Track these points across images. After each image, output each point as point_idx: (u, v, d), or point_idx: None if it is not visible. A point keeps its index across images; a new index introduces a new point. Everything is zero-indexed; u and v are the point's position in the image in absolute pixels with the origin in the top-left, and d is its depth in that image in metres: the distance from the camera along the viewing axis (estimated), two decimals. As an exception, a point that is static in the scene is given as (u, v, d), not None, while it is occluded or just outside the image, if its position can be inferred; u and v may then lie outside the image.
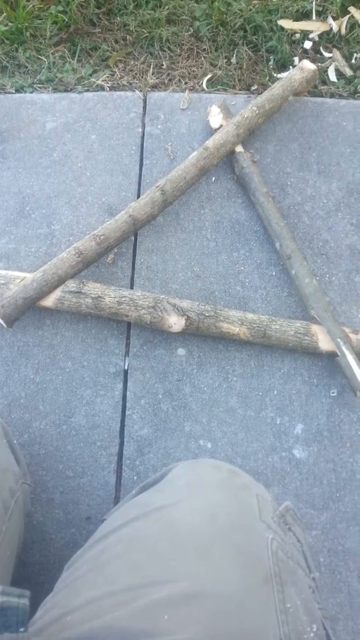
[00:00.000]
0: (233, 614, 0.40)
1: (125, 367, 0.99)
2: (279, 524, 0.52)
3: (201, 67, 1.27)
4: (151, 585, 0.42)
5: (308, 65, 1.17)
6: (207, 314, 0.97)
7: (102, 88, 1.23)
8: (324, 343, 0.97)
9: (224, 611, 0.40)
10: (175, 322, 0.96)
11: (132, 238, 1.08)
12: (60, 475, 0.93)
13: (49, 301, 0.98)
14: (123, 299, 0.98)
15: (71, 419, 0.96)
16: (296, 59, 1.27)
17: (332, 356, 0.96)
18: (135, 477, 0.93)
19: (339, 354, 0.95)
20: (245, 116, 1.11)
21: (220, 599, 0.41)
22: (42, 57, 1.26)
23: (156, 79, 1.26)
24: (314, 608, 0.47)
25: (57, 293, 0.98)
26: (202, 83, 1.24)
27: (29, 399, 0.96)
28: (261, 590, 0.43)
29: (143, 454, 0.94)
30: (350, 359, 0.94)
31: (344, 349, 0.95)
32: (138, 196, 1.11)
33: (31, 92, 1.21)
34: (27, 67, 1.25)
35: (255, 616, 0.41)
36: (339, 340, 0.96)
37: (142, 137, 1.16)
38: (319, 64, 1.26)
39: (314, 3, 1.29)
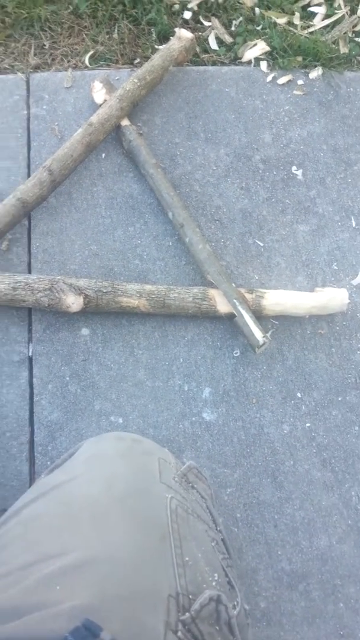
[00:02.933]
0: (125, 575, 0.38)
1: (30, 354, 0.89)
2: (180, 483, 0.51)
3: (83, 44, 1.15)
4: (44, 560, 0.39)
5: (185, 34, 1.07)
6: (104, 290, 0.89)
7: (-19, 72, 1.09)
8: (222, 306, 0.91)
9: (115, 574, 0.38)
10: (74, 302, 0.87)
11: (26, 222, 0.97)
12: (-29, 471, 0.83)
13: None
14: (18, 284, 0.88)
15: (-22, 413, 0.86)
16: (177, 29, 1.17)
17: (231, 318, 0.90)
18: (48, 463, 0.85)
19: (236, 314, 0.89)
20: (127, 89, 1.01)
21: (112, 563, 0.39)
22: None
23: (39, 59, 1.13)
24: (215, 559, 0.46)
25: None
26: (84, 60, 1.13)
27: None
28: (157, 548, 0.41)
29: (55, 438, 0.85)
30: (247, 317, 0.88)
31: (240, 309, 0.89)
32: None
33: None
34: None
35: (148, 574, 0.39)
36: (235, 301, 0.90)
37: (28, 119, 1.04)
38: (200, 33, 1.16)
39: (189, -28, 1.19)
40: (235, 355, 0.90)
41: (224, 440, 0.86)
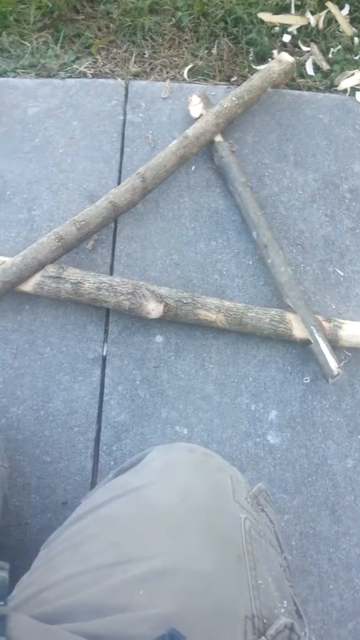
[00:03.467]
0: (205, 590, 0.38)
1: (104, 354, 0.90)
2: (252, 504, 0.50)
3: (182, 57, 1.16)
4: (126, 563, 0.39)
5: (286, 57, 1.07)
6: (185, 301, 0.89)
7: (85, 75, 1.12)
8: (298, 331, 0.90)
9: (197, 587, 0.38)
10: (154, 309, 0.87)
11: (112, 225, 0.98)
12: (37, 461, 0.84)
13: (29, 286, 0.88)
14: (102, 284, 0.88)
15: (49, 404, 0.87)
16: (275, 51, 1.17)
17: (305, 344, 0.89)
18: (112, 463, 0.85)
19: (312, 341, 0.88)
20: (225, 106, 1.02)
21: (193, 575, 0.39)
22: (26, 42, 1.14)
23: (138, 67, 1.15)
24: (285, 585, 0.45)
25: (36, 278, 0.88)
26: (183, 73, 1.14)
27: (6, 384, 0.87)
28: (234, 567, 0.41)
29: (120, 439, 0.85)
30: (323, 346, 0.87)
31: (317, 336, 0.88)
32: (118, 183, 1.01)
33: (14, 77, 1.09)
34: (10, 52, 1.13)
35: (226, 592, 0.39)
36: (312, 327, 0.88)
37: (124, 124, 1.05)
38: (297, 58, 1.16)
39: (293, -3, 1.19)
40: (305, 381, 0.89)
41: (285, 466, 0.85)
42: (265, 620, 0.39)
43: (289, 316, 0.91)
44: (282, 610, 0.42)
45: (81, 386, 0.88)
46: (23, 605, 0.41)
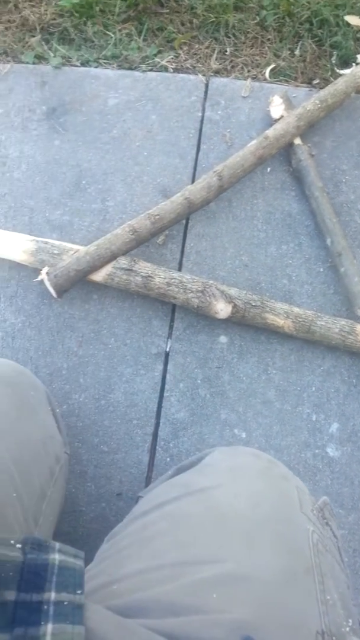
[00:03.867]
0: (278, 600, 0.37)
1: (167, 349, 0.89)
2: (317, 517, 0.49)
3: (264, 57, 1.14)
4: (198, 564, 0.39)
5: (375, 62, 1.03)
6: (253, 304, 0.87)
7: (166, 69, 1.11)
8: (368, 344, 0.86)
9: (269, 597, 0.37)
10: (223, 309, 0.86)
11: (184, 222, 0.97)
12: (95, 449, 0.84)
13: (100, 276, 0.88)
14: (173, 280, 0.88)
15: (110, 395, 0.87)
16: (359, 56, 1.13)
17: (374, 359, 0.85)
18: (168, 459, 0.84)
19: (383, 357, 0.84)
20: (308, 109, 0.99)
21: (265, 584, 0.38)
22: (109, 33, 1.13)
23: (219, 64, 1.13)
24: (349, 603, 0.44)
25: (108, 268, 0.88)
26: (264, 72, 1.11)
27: (70, 371, 0.87)
28: (303, 580, 0.39)
29: (178, 436, 0.85)
30: (395, 363, 0.84)
31: (388, 353, 0.84)
32: (193, 180, 1.00)
33: (96, 67, 1.09)
34: (93, 42, 1.13)
35: (298, 605, 0.38)
36: (384, 343, 0.85)
37: (202, 121, 1.04)
38: (384, 63, 1.11)
39: (384, 0, 1.14)
40: (370, 396, 0.86)
41: (344, 480, 0.82)
42: (334, 638, 0.37)
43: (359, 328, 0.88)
44: (348, 629, 0.40)
45: (142, 380, 0.88)
46: (92, 595, 0.40)
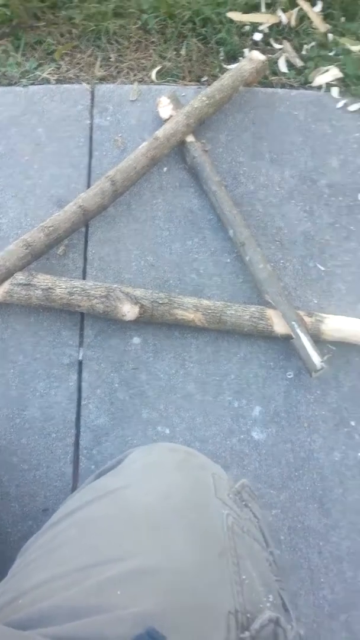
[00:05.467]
0: (186, 587, 0.49)
1: (80, 358, 1.21)
2: (235, 500, 0.64)
3: (150, 59, 1.56)
4: (104, 564, 0.50)
5: (257, 56, 1.46)
6: (160, 302, 1.21)
7: (48, 81, 1.50)
8: (279, 326, 1.22)
9: (178, 585, 0.49)
10: (129, 311, 1.20)
11: (84, 229, 1.32)
12: (15, 469, 1.14)
13: (-1, 292, 1.20)
14: (75, 289, 1.21)
15: (24, 412, 1.18)
16: (246, 50, 1.57)
17: (287, 339, 1.21)
18: (92, 466, 1.14)
19: (293, 336, 1.20)
20: (195, 106, 1.39)
21: (173, 574, 0.50)
22: (-15, 51, 1.52)
23: (104, 71, 1.54)
24: (270, 579, 0.58)
25: (5, 286, 1.21)
26: (151, 75, 1.53)
27: (-20, 392, 1.18)
28: (216, 563, 0.52)
29: (100, 442, 1.15)
30: (305, 340, 1.20)
31: (298, 331, 1.20)
32: (88, 188, 1.35)
33: (-26, 86, 1.46)
34: (-32, 61, 1.51)
35: (208, 589, 0.50)
36: (293, 323, 1.21)
37: (91, 129, 1.42)
38: (270, 55, 1.56)
39: (262, -4, 1.60)
40: (288, 377, 1.21)
41: (271, 461, 1.15)
42: (249, 615, 0.49)
43: (270, 312, 1.24)
44: (268, 604, 0.52)
45: (57, 392, 1.19)
46: None
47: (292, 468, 1.17)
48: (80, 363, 1.23)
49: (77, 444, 1.18)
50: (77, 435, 1.19)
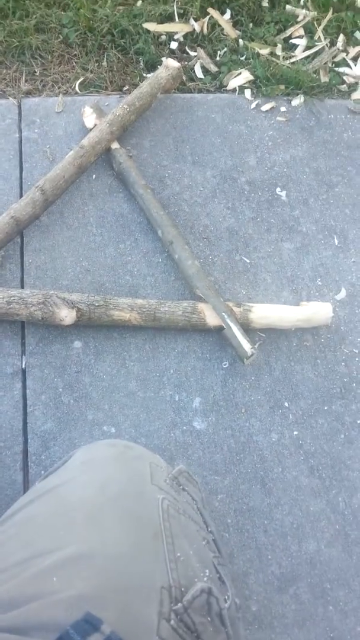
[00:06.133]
0: (120, 569, 0.45)
1: (23, 366, 1.03)
2: (171, 485, 0.58)
3: (73, 72, 1.35)
4: (40, 556, 0.46)
5: (172, 63, 1.28)
6: (97, 304, 1.04)
7: (-25, 97, 1.27)
8: (211, 319, 1.06)
9: (111, 568, 0.45)
10: (67, 315, 1.02)
11: (19, 239, 1.13)
12: (-35, 481, 0.95)
13: None
14: (12, 298, 1.02)
15: (-29, 424, 0.99)
16: (164, 58, 1.38)
17: (219, 330, 1.05)
18: (42, 472, 0.97)
19: (225, 327, 1.04)
20: (117, 114, 1.20)
21: (107, 558, 0.46)
22: None
23: (30, 85, 1.32)
24: (206, 556, 0.53)
25: None
26: (74, 86, 1.32)
27: None
28: (149, 544, 0.48)
29: (48, 447, 0.98)
30: (236, 329, 1.04)
31: (228, 321, 1.05)
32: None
33: None
34: None
35: (141, 568, 0.46)
36: (223, 314, 1.05)
37: (20, 142, 1.22)
38: (186, 63, 1.37)
39: (175, 6, 1.41)
40: (224, 366, 1.06)
41: (214, 448, 1.00)
42: (183, 589, 0.46)
43: (201, 306, 1.08)
44: (205, 579, 0.49)
45: (2, 401, 1.01)
46: None
47: (233, 453, 1.03)
48: (23, 371, 1.05)
49: (25, 451, 1.00)
50: (25, 443, 1.01)
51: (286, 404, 1.06)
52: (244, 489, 1.00)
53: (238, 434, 1.03)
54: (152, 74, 1.35)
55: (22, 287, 1.10)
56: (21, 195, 1.19)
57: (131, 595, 0.44)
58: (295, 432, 1.05)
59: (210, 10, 1.45)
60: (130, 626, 0.42)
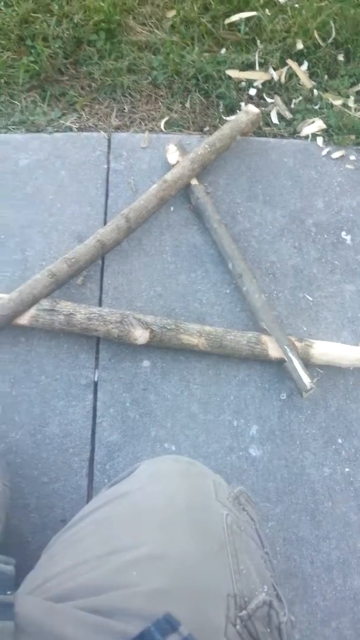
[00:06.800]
0: (191, 572, 0.46)
1: (95, 379, 1.03)
2: (233, 503, 0.58)
3: (159, 111, 1.36)
4: (119, 552, 0.47)
5: (252, 109, 1.27)
6: (169, 327, 1.03)
7: (71, 129, 1.30)
8: (273, 351, 1.04)
9: (183, 570, 0.46)
10: (141, 335, 1.01)
11: (100, 262, 1.13)
12: (35, 481, 0.95)
13: (25, 319, 1.02)
14: (93, 315, 1.02)
15: (45, 429, 0.99)
16: (242, 103, 1.37)
17: (280, 363, 1.03)
18: (105, 480, 0.96)
19: (286, 359, 1.02)
20: (199, 153, 1.20)
21: (179, 560, 0.46)
22: (15, 102, 1.32)
23: (119, 121, 1.34)
24: (265, 573, 0.52)
25: (32, 311, 1.02)
26: (160, 125, 1.33)
27: (5, 411, 0.99)
28: (216, 554, 0.48)
29: (113, 458, 0.97)
30: (296, 363, 1.01)
31: (290, 355, 1.02)
32: (104, 224, 1.16)
33: (5, 133, 1.27)
34: (1, 111, 1.31)
35: (211, 575, 0.46)
36: (286, 347, 1.03)
37: (107, 172, 1.22)
38: (263, 108, 1.36)
39: (257, 56, 1.40)
40: (282, 398, 1.03)
41: (267, 476, 0.97)
42: (246, 599, 0.46)
43: (265, 338, 1.06)
44: (263, 593, 0.48)
45: (75, 410, 1.00)
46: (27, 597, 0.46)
47: (286, 483, 0.99)
48: (95, 384, 1.05)
49: (92, 459, 0.99)
50: (92, 451, 1.00)
51: (340, 441, 1.02)
52: (294, 519, 0.96)
53: (292, 464, 1.00)
54: (232, 117, 1.35)
55: (100, 305, 1.10)
56: (105, 221, 1.20)
57: (202, 597, 0.44)
58: (347, 469, 1.00)
59: (289, 61, 1.44)
60: (202, 625, 0.42)
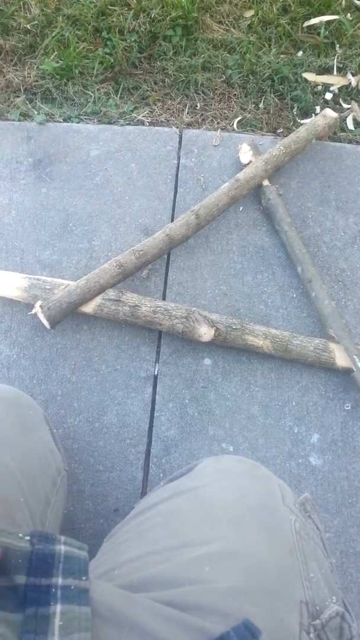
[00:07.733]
0: (265, 573, 0.47)
1: (155, 373, 1.10)
2: (300, 510, 0.59)
3: (232, 110, 1.44)
4: (190, 546, 0.49)
5: (330, 113, 1.34)
6: (234, 327, 1.09)
7: (142, 123, 1.39)
8: (341, 360, 1.09)
9: (257, 570, 0.47)
10: (206, 332, 1.08)
11: (166, 256, 1.21)
12: (91, 469, 1.02)
13: (90, 307, 1.10)
14: (158, 308, 1.10)
15: (103, 417, 1.06)
16: (318, 107, 1.45)
17: (347, 372, 1.08)
18: (161, 474, 1.02)
19: (354, 369, 1.07)
20: (274, 154, 1.27)
21: (252, 560, 0.48)
22: (89, 92, 1.43)
23: (191, 118, 1.42)
24: (333, 583, 0.54)
25: (97, 300, 1.10)
26: (232, 124, 1.41)
27: (65, 396, 1.07)
28: (287, 559, 0.50)
29: (169, 453, 1.03)
30: (365, 374, 1.06)
31: (359, 365, 1.07)
32: (172, 220, 1.25)
33: (77, 122, 1.37)
34: (74, 100, 1.42)
35: (284, 578, 0.47)
36: (355, 357, 1.08)
37: (177, 168, 1.31)
38: (339, 113, 1.43)
39: (335, 60, 1.48)
40: (346, 408, 1.08)
41: (327, 487, 1.02)
42: (317, 608, 0.47)
43: (332, 346, 1.11)
44: (332, 604, 0.48)
45: (134, 402, 1.08)
46: (95, 582, 0.47)
47: (346, 495, 1.04)
48: (155, 377, 1.12)
49: (148, 452, 1.06)
50: (149, 444, 1.07)
51: None
52: (352, 532, 1.00)
53: (353, 477, 1.04)
54: (307, 120, 1.42)
55: (164, 300, 1.18)
56: (173, 216, 1.28)
57: (277, 600, 0.45)
58: None
59: (369, 67, 1.51)
60: (277, 629, 0.43)
